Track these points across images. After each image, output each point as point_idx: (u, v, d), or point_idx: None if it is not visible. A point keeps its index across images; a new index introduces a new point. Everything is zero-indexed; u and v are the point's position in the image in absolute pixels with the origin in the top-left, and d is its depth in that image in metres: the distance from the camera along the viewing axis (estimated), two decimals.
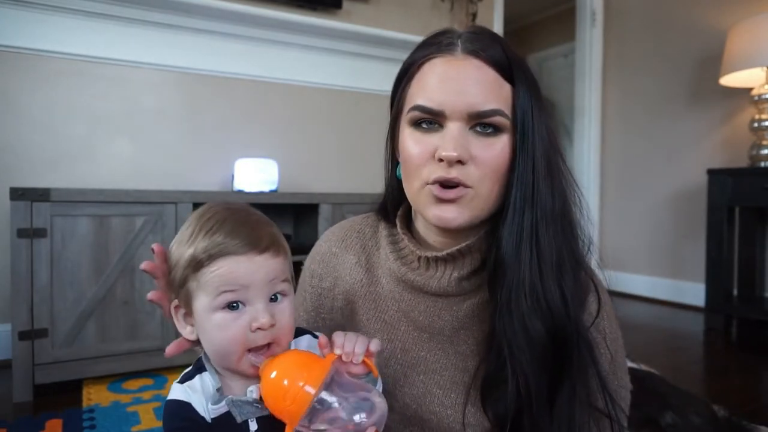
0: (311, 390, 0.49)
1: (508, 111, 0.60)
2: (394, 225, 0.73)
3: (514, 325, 0.59)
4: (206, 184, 2.26)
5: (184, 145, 2.23)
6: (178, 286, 0.56)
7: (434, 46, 0.63)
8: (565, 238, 0.63)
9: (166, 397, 0.57)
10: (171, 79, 2.20)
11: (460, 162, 0.59)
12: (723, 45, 2.52)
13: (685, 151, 2.95)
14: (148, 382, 1.69)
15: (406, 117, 0.64)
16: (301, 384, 0.49)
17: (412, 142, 0.63)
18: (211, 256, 0.53)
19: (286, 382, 0.50)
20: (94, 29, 2.03)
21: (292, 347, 0.58)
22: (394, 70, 0.71)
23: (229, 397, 0.54)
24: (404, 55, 0.70)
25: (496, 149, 0.60)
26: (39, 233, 1.55)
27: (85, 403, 1.52)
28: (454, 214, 0.61)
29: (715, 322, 2.44)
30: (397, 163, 0.69)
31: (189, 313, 0.57)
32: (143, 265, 0.59)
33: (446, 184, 0.60)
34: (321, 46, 2.45)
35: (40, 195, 1.56)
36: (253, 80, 2.37)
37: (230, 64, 2.30)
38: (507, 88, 0.61)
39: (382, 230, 0.75)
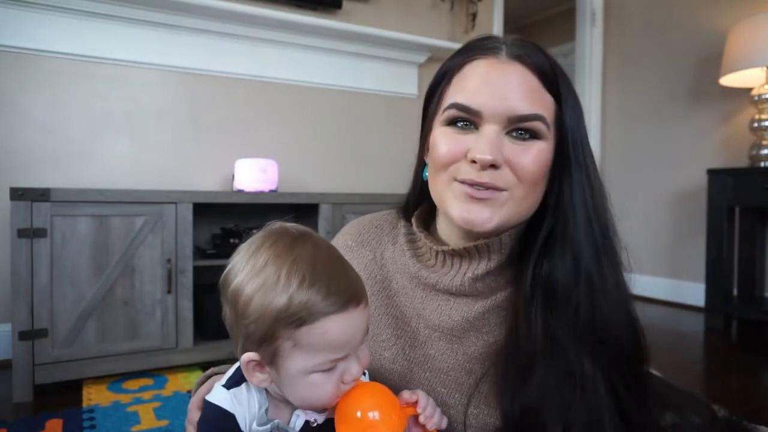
0: None
1: (549, 119, 0.59)
2: (411, 217, 0.74)
3: (572, 364, 0.58)
4: (206, 184, 2.26)
5: (184, 145, 2.23)
6: (260, 340, 0.49)
7: (477, 49, 0.61)
8: (619, 265, 0.63)
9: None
10: (171, 79, 2.20)
11: (493, 166, 0.58)
12: (723, 45, 2.52)
13: (685, 151, 2.95)
14: (148, 382, 1.69)
15: (441, 116, 0.63)
16: (380, 427, 0.49)
17: (444, 139, 0.62)
18: (314, 315, 0.48)
19: (359, 413, 0.50)
20: (94, 29, 2.03)
21: None
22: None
23: (276, 422, 0.53)
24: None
25: (532, 154, 0.59)
26: (39, 233, 1.55)
27: (85, 403, 1.52)
28: (483, 217, 0.60)
29: (715, 322, 2.44)
30: (426, 164, 0.68)
31: (265, 365, 0.51)
32: None
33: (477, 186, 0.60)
34: (321, 46, 2.45)
35: (40, 195, 1.56)
36: (253, 80, 2.37)
37: (230, 64, 2.30)
38: (549, 98, 0.60)
39: (401, 227, 0.76)
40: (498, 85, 0.57)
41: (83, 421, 1.40)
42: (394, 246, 0.75)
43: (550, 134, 0.59)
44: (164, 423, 1.39)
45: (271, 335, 0.49)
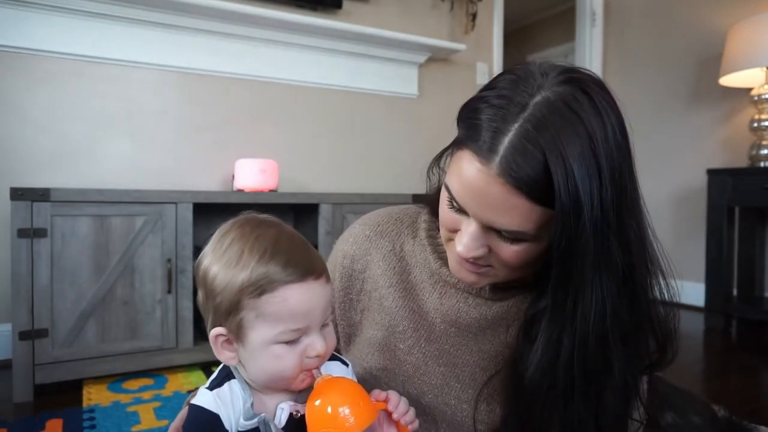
0: (356, 429, 0.50)
1: (533, 228, 0.55)
2: (437, 218, 0.73)
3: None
4: (206, 184, 2.26)
5: (184, 145, 2.23)
6: (226, 312, 0.52)
7: (483, 131, 0.54)
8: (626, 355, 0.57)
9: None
10: (171, 79, 2.20)
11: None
12: (723, 45, 2.52)
13: (685, 151, 2.95)
14: (148, 382, 1.69)
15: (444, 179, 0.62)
16: (349, 419, 0.50)
17: (443, 206, 0.62)
18: (274, 283, 0.51)
19: (329, 409, 0.50)
20: (94, 29, 2.03)
21: (323, 371, 0.56)
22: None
23: (263, 415, 0.54)
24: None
25: (515, 250, 0.58)
26: (39, 233, 1.55)
27: (85, 403, 1.52)
28: (472, 280, 0.63)
29: (715, 322, 2.44)
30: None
31: (232, 341, 0.54)
32: None
33: None
34: (321, 46, 2.45)
35: (41, 195, 1.56)
36: (253, 80, 2.37)
37: (230, 64, 2.30)
38: (536, 210, 0.54)
39: (422, 222, 0.75)
40: (481, 197, 0.55)
41: (83, 421, 1.40)
42: (414, 240, 0.75)
43: (539, 236, 0.56)
44: (164, 423, 1.39)
45: (235, 306, 0.52)
